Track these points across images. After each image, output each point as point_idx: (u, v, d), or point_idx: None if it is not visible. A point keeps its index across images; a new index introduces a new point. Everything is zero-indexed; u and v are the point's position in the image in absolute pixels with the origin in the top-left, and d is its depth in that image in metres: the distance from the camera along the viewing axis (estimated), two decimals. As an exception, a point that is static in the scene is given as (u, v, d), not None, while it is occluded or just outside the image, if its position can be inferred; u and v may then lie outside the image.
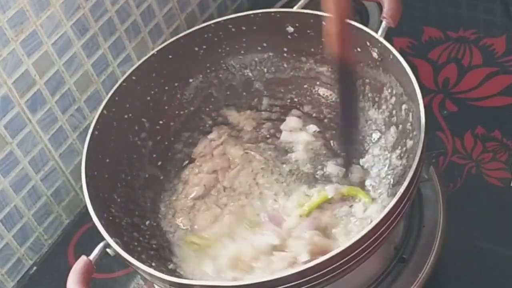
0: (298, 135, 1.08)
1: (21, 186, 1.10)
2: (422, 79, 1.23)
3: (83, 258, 0.87)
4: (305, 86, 1.12)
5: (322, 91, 1.11)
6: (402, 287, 0.94)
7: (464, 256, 1.01)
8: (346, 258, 0.81)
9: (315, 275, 0.80)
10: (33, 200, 1.13)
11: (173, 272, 0.95)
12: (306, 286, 0.81)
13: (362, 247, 0.81)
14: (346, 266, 0.82)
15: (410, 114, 0.95)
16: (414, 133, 0.93)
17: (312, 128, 1.09)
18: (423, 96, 1.20)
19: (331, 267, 0.81)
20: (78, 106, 1.16)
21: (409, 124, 0.96)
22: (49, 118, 1.12)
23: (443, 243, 0.97)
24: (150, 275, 0.86)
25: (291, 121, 1.10)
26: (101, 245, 0.89)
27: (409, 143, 0.95)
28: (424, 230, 0.99)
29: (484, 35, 1.28)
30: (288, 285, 0.80)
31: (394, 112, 1.00)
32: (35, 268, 1.14)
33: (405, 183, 0.83)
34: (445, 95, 1.21)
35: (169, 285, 0.85)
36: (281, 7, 1.36)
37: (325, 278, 0.82)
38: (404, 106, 0.97)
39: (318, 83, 1.11)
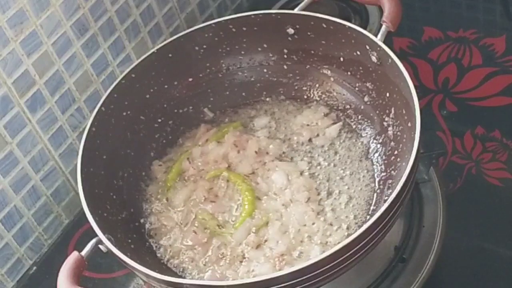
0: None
1: (21, 186, 1.10)
2: (422, 79, 1.23)
3: (74, 254, 0.87)
4: (304, 88, 1.12)
5: (324, 92, 1.11)
6: (402, 287, 0.94)
7: (464, 256, 1.01)
8: (335, 262, 0.80)
9: (309, 275, 0.80)
10: (33, 200, 1.13)
11: (167, 270, 0.95)
12: (301, 286, 0.81)
13: (358, 246, 0.81)
14: (337, 268, 0.81)
15: (406, 119, 0.94)
16: (409, 143, 0.92)
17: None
18: (423, 96, 1.20)
19: (326, 267, 0.80)
20: (78, 106, 1.16)
21: (405, 131, 0.95)
22: (49, 118, 1.12)
23: (443, 243, 0.97)
24: (140, 271, 0.85)
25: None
26: (93, 241, 0.89)
27: (403, 150, 0.95)
28: (424, 230, 0.99)
29: (484, 35, 1.28)
30: (283, 284, 0.80)
31: (391, 115, 1.00)
32: (35, 268, 1.14)
33: (398, 187, 0.83)
34: (445, 95, 1.21)
35: (165, 284, 0.84)
36: (280, 7, 1.36)
37: (319, 278, 0.81)
38: (401, 111, 0.97)
39: (317, 85, 1.11)
